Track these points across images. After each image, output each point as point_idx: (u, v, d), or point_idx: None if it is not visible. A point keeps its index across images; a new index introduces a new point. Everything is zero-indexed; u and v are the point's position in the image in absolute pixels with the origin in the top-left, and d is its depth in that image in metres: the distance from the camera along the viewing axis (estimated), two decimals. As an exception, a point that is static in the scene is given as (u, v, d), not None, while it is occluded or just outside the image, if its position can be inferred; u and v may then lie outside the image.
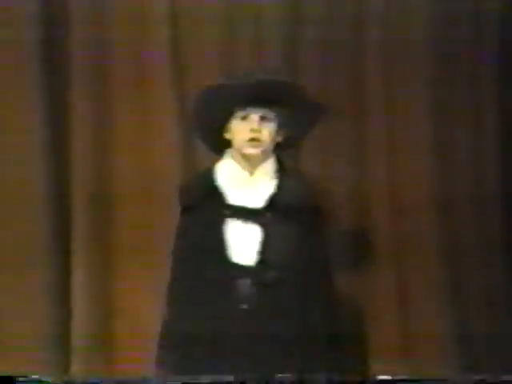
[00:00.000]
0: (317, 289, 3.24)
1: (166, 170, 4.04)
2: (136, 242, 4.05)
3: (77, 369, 3.97)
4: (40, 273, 4.00)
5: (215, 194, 3.30)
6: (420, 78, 4.19)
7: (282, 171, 3.35)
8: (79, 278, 4.03)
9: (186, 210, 3.33)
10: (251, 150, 3.29)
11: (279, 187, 3.31)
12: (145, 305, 3.95)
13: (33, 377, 3.60)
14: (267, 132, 3.30)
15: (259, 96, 3.24)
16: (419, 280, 4.12)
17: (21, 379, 3.56)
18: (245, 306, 3.20)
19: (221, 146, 3.38)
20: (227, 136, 3.36)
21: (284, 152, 3.39)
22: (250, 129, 3.28)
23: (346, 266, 3.96)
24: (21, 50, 4.02)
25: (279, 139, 3.36)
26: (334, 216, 3.73)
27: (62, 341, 4.01)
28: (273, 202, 3.28)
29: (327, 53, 4.17)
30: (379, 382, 3.78)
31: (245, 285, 3.21)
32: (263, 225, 3.24)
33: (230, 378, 3.14)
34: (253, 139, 3.28)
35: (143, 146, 4.10)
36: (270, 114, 3.30)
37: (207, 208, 3.28)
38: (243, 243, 3.24)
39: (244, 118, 3.30)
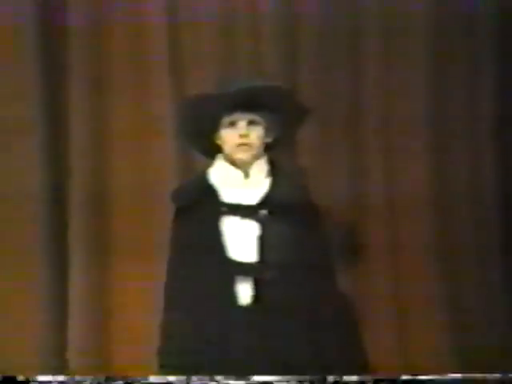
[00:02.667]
0: (315, 284, 3.26)
1: (163, 172, 4.08)
2: (132, 242, 4.07)
3: (73, 369, 3.96)
4: (37, 273, 4.02)
5: (210, 193, 3.33)
6: (417, 84, 4.29)
7: (275, 170, 3.38)
8: (76, 279, 4.03)
9: (181, 210, 3.34)
10: (241, 155, 3.33)
11: (274, 185, 3.34)
12: (141, 305, 3.97)
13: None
14: (256, 136, 3.33)
15: (245, 102, 3.28)
16: (416, 283, 4.15)
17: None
18: (244, 304, 3.21)
19: (212, 150, 3.41)
20: (217, 142, 3.39)
21: (272, 151, 3.42)
22: (238, 134, 3.31)
23: (343, 268, 3.95)
24: (19, 50, 4.08)
25: (268, 140, 3.39)
26: (330, 218, 3.73)
27: (59, 341, 4.02)
28: (268, 199, 3.31)
29: (325, 60, 4.25)
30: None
31: (244, 282, 3.22)
32: (260, 221, 3.26)
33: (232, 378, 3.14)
34: (242, 144, 3.31)
35: (140, 147, 4.13)
36: (258, 118, 3.34)
37: (203, 207, 3.30)
38: (240, 240, 3.25)
39: (232, 124, 3.33)
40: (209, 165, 3.43)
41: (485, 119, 4.28)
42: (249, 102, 3.28)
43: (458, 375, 3.61)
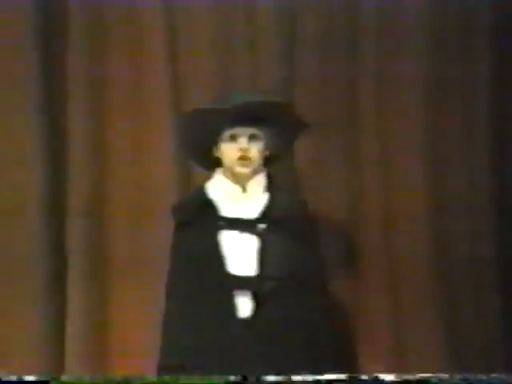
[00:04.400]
0: (313, 297, 3.28)
1: (162, 185, 4.04)
2: (131, 255, 4.04)
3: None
4: (34, 287, 4.00)
5: (209, 208, 3.35)
6: (413, 90, 4.23)
7: (273, 184, 3.40)
8: (74, 293, 4.01)
9: (181, 225, 3.37)
10: (241, 169, 3.34)
11: (272, 200, 3.36)
12: (139, 319, 3.95)
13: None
14: (256, 150, 3.35)
15: (246, 116, 3.30)
16: (411, 288, 4.14)
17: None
18: (243, 317, 3.22)
19: (211, 163, 3.43)
20: (217, 155, 3.41)
21: (271, 164, 3.44)
22: (238, 148, 3.32)
23: (339, 275, 3.97)
24: (20, 62, 4.04)
25: (267, 154, 3.42)
26: (327, 226, 3.73)
27: (57, 350, 4.00)
28: (267, 213, 3.33)
29: (322, 63, 4.20)
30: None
31: (243, 295, 3.23)
32: (259, 235, 3.28)
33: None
34: (242, 158, 3.32)
35: (139, 160, 4.10)
36: (258, 132, 3.36)
37: (202, 221, 3.33)
38: (239, 254, 3.27)
39: (232, 138, 3.35)
40: (208, 178, 3.44)
41: (483, 129, 4.26)
42: (250, 117, 3.30)
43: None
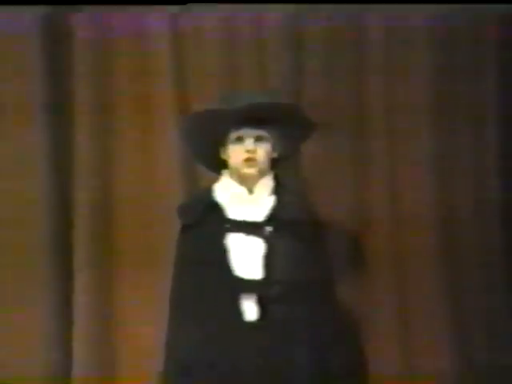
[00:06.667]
0: (320, 301, 3.25)
1: (168, 185, 4.04)
2: (137, 254, 4.05)
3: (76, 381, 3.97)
4: (41, 283, 4.00)
5: (215, 209, 3.32)
6: (421, 91, 4.20)
7: (280, 187, 3.37)
8: (80, 289, 4.02)
9: (186, 227, 3.34)
10: (248, 170, 3.31)
11: (279, 202, 3.32)
12: (146, 317, 3.96)
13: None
14: (263, 152, 3.32)
15: (252, 118, 3.26)
16: (420, 291, 4.12)
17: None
18: (249, 320, 3.19)
19: (217, 165, 3.40)
20: (223, 156, 3.38)
21: (279, 166, 3.41)
22: (245, 149, 3.29)
23: (347, 278, 3.94)
24: (24, 61, 4.06)
25: (274, 155, 3.38)
26: (335, 229, 3.70)
27: (63, 352, 4.01)
28: (273, 216, 3.29)
29: (329, 69, 4.16)
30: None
31: (249, 299, 3.20)
32: (265, 238, 3.25)
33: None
34: (249, 159, 3.28)
35: (145, 160, 4.09)
36: (265, 134, 3.32)
37: (208, 223, 3.29)
38: (245, 257, 3.24)
39: (239, 139, 3.31)
40: (214, 178, 3.42)
41: (489, 129, 4.23)
42: (257, 118, 3.27)
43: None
